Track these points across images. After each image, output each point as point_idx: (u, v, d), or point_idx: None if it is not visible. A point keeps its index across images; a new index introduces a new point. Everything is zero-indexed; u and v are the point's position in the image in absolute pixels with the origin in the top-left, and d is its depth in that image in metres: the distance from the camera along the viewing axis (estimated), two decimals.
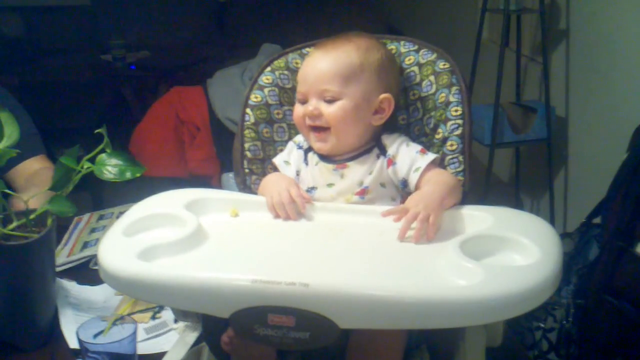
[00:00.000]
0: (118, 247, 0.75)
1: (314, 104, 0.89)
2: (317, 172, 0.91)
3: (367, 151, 0.91)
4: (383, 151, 0.91)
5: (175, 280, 0.69)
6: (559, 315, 1.29)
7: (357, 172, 0.89)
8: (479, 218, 0.81)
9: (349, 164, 0.90)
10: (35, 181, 1.21)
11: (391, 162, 0.89)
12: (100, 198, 1.99)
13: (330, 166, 0.91)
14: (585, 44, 1.75)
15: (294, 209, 0.85)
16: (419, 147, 0.90)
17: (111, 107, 2.97)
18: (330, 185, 0.90)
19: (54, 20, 3.59)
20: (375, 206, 0.87)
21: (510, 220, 0.81)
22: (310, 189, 0.91)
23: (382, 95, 0.90)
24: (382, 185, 0.89)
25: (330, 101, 0.88)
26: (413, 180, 0.87)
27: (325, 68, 0.89)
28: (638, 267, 1.19)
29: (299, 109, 0.92)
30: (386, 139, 0.91)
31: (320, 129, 0.90)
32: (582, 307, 1.26)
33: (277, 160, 0.96)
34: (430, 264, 0.73)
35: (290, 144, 0.97)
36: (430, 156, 0.88)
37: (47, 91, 2.86)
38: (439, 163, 0.90)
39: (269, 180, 0.92)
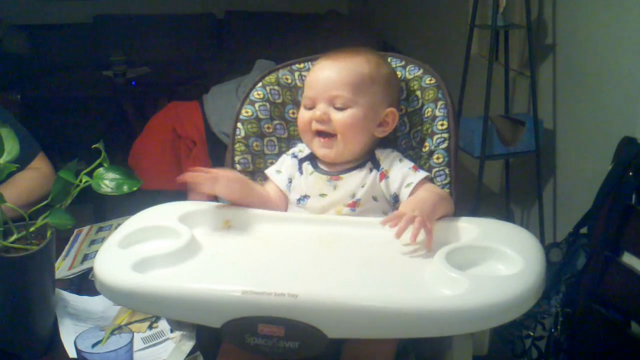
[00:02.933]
0: (113, 259, 0.77)
1: (323, 109, 0.90)
2: (311, 181, 0.93)
3: (361, 165, 0.93)
4: (376, 165, 0.92)
5: (168, 291, 0.71)
6: (548, 323, 1.30)
7: (351, 184, 0.91)
8: (465, 229, 0.84)
9: (342, 176, 0.92)
10: (12, 181, 1.22)
11: (384, 176, 0.91)
12: (101, 211, 2.01)
13: (325, 177, 0.93)
14: (571, 58, 1.78)
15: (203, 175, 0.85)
16: (411, 164, 0.92)
17: (112, 122, 3.00)
18: (322, 195, 0.92)
19: (56, 38, 3.64)
20: (364, 218, 0.89)
21: (494, 232, 0.83)
22: (303, 198, 0.93)
23: (388, 109, 0.93)
24: (375, 198, 0.91)
25: (340, 108, 0.90)
26: (404, 195, 0.89)
27: (337, 75, 0.90)
28: (625, 276, 1.21)
29: (305, 114, 0.92)
30: (380, 154, 0.93)
31: (326, 135, 0.91)
32: (570, 315, 1.27)
33: (269, 171, 0.98)
34: (416, 274, 0.75)
35: (283, 156, 0.99)
36: (422, 173, 0.90)
37: (49, 106, 2.89)
38: (430, 180, 0.92)
39: None
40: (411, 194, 0.88)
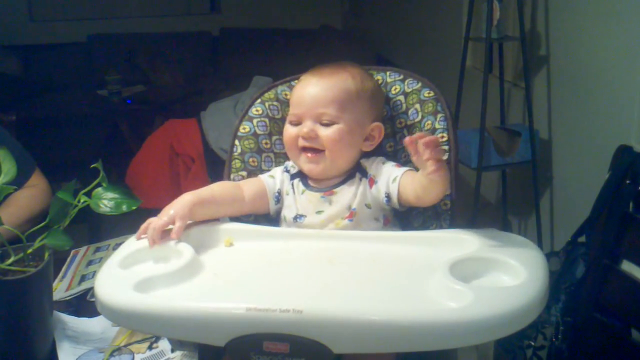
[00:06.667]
0: (114, 279, 0.77)
1: (309, 126, 0.91)
2: (304, 200, 0.94)
3: (351, 175, 0.94)
4: (364, 173, 0.94)
5: (171, 311, 0.71)
6: (548, 333, 1.30)
7: (346, 197, 0.92)
8: (467, 241, 0.84)
9: (336, 190, 0.93)
10: (12, 201, 1.22)
11: (373, 182, 0.92)
12: (97, 230, 2.00)
13: (318, 194, 0.93)
14: (565, 68, 1.80)
15: (152, 236, 0.83)
16: (394, 163, 0.94)
17: (108, 141, 3.00)
18: (319, 212, 0.92)
19: (51, 58, 3.65)
20: (366, 232, 0.89)
21: (496, 242, 0.83)
22: (299, 217, 0.93)
23: (374, 124, 0.94)
24: (367, 206, 0.92)
25: (327, 125, 0.91)
26: (394, 190, 0.90)
27: (323, 93, 0.91)
28: (624, 284, 1.21)
29: (291, 130, 0.93)
30: (365, 162, 0.95)
31: (313, 151, 0.92)
32: (571, 324, 1.27)
33: (263, 175, 0.98)
34: (421, 287, 0.75)
35: (276, 168, 0.99)
36: (405, 168, 0.91)
37: (44, 127, 2.89)
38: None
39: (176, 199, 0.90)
40: (399, 186, 0.89)
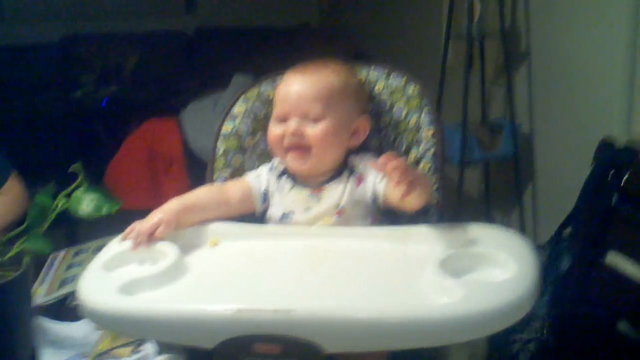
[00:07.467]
0: (98, 282, 0.75)
1: (295, 124, 0.90)
2: (291, 197, 0.92)
3: (339, 173, 0.93)
4: (352, 171, 0.93)
5: (158, 314, 0.69)
6: (535, 326, 1.31)
7: (334, 194, 0.91)
8: (456, 236, 0.83)
9: (325, 187, 0.92)
10: None
11: (360, 180, 0.91)
12: (74, 233, 1.96)
13: (306, 191, 0.92)
14: (545, 63, 1.82)
15: (137, 239, 0.82)
16: None
17: (84, 143, 2.95)
18: (307, 209, 0.91)
19: (23, 59, 3.57)
20: (354, 228, 0.88)
21: (485, 236, 0.83)
22: (287, 214, 0.92)
23: (360, 119, 0.93)
24: (355, 204, 0.91)
25: (313, 122, 0.90)
26: (380, 189, 0.89)
27: (308, 90, 0.90)
28: (609, 277, 1.22)
29: (277, 129, 0.92)
30: (354, 159, 0.94)
31: (300, 149, 0.90)
32: (557, 317, 1.28)
33: (248, 174, 0.97)
34: (411, 284, 0.74)
35: (262, 167, 0.98)
36: None
37: (19, 129, 2.83)
38: None
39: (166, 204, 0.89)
40: (386, 186, 0.88)
